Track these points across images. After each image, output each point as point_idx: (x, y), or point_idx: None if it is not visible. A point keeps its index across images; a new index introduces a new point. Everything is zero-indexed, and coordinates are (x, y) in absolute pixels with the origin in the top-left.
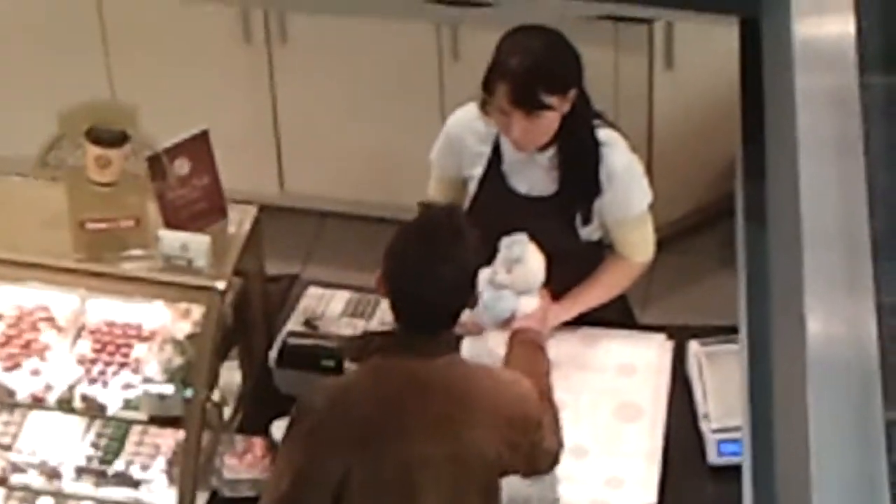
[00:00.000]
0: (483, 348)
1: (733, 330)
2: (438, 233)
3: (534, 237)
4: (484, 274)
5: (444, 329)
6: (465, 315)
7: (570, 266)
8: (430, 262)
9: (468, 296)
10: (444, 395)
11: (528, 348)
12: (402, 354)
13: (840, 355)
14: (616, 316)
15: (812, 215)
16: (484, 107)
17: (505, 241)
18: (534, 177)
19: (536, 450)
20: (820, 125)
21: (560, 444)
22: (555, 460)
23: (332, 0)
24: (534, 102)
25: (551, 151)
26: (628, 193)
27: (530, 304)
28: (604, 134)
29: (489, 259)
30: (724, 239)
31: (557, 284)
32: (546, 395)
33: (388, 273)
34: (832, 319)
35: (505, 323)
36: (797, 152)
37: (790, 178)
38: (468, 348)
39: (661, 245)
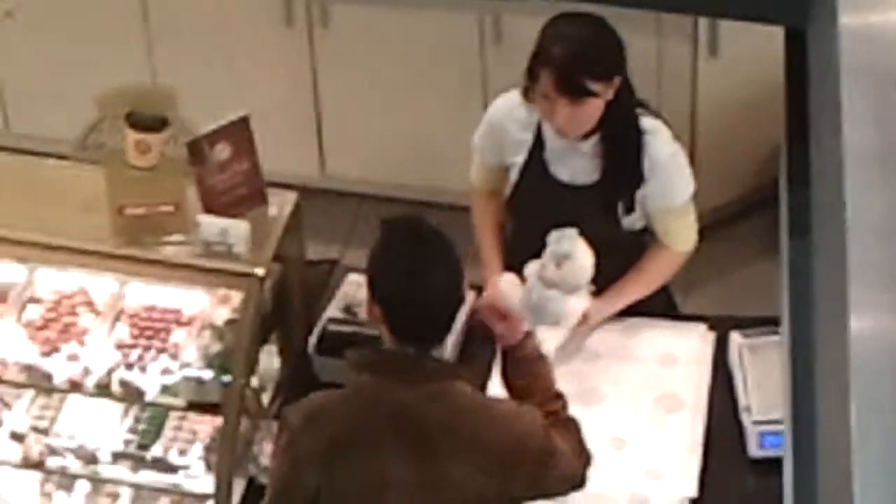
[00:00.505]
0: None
1: (776, 321)
2: (421, 237)
3: (576, 226)
4: (531, 267)
5: (439, 339)
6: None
7: (612, 255)
8: (419, 264)
9: (460, 299)
10: (428, 424)
11: (529, 366)
12: (393, 375)
13: (883, 349)
14: (658, 306)
15: (857, 210)
16: (527, 94)
17: (554, 235)
18: (576, 165)
19: (546, 480)
20: (865, 137)
21: (585, 464)
22: (579, 482)
23: None
24: (578, 89)
25: (594, 139)
26: (671, 183)
27: (579, 307)
28: (647, 122)
29: (538, 252)
30: (768, 226)
31: (600, 274)
32: (558, 417)
33: (376, 285)
34: (876, 313)
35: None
36: (843, 163)
37: (835, 180)
38: None
39: (704, 232)
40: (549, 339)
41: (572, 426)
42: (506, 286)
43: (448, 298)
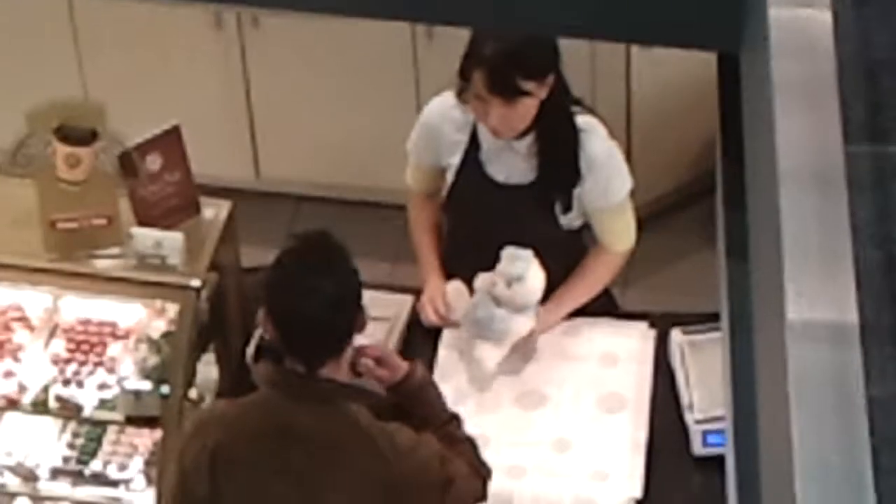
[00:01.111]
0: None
1: (716, 317)
2: (315, 250)
3: (513, 225)
4: (480, 281)
5: (329, 356)
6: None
7: (551, 255)
8: (310, 276)
9: (353, 315)
10: (311, 446)
11: (419, 396)
12: (284, 392)
13: (821, 341)
14: (599, 304)
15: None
16: (460, 94)
17: (507, 253)
18: (512, 164)
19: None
20: (798, 153)
21: (484, 482)
22: (480, 497)
23: None
24: (511, 89)
25: (529, 138)
26: (608, 181)
27: (524, 327)
28: (582, 120)
29: (474, 254)
30: (706, 217)
31: None
32: (453, 438)
33: (268, 297)
34: (812, 304)
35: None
36: (777, 186)
37: (772, 206)
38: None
39: (642, 224)
40: (489, 357)
41: (468, 446)
42: (452, 295)
43: (336, 317)
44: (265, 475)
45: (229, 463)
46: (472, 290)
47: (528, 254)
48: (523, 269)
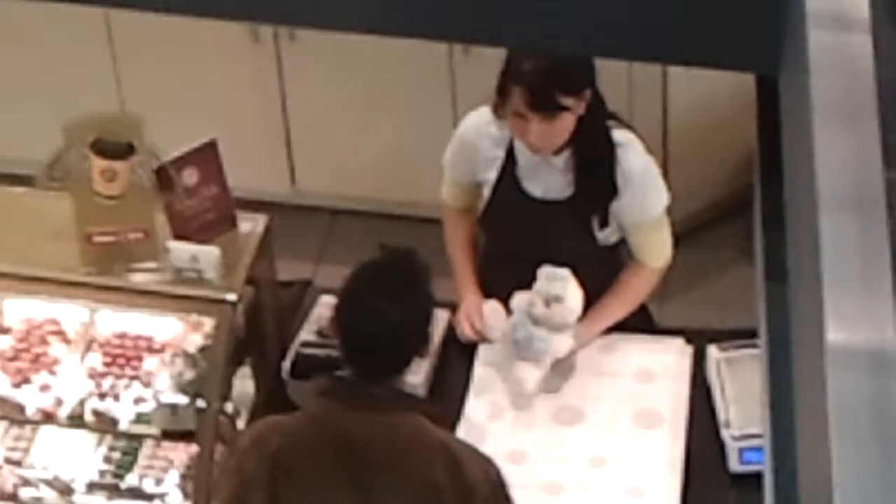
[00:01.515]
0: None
1: (754, 333)
2: (392, 276)
3: (550, 241)
4: (518, 301)
5: (392, 376)
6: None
7: (587, 270)
8: (380, 300)
9: (420, 343)
10: (370, 455)
11: None
12: (343, 402)
13: (860, 359)
14: (635, 320)
15: (832, 225)
16: (497, 110)
17: (545, 272)
18: (549, 180)
19: None
20: (839, 185)
21: None
22: None
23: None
24: (551, 105)
25: (566, 154)
26: (645, 196)
27: (564, 346)
28: (619, 135)
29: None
30: (742, 232)
31: None
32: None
33: (339, 311)
34: (852, 328)
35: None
36: (816, 210)
37: (811, 229)
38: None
39: (679, 240)
40: (529, 378)
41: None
42: (490, 315)
43: (398, 345)
44: (324, 484)
45: (288, 473)
46: (508, 309)
47: (566, 273)
48: (562, 288)
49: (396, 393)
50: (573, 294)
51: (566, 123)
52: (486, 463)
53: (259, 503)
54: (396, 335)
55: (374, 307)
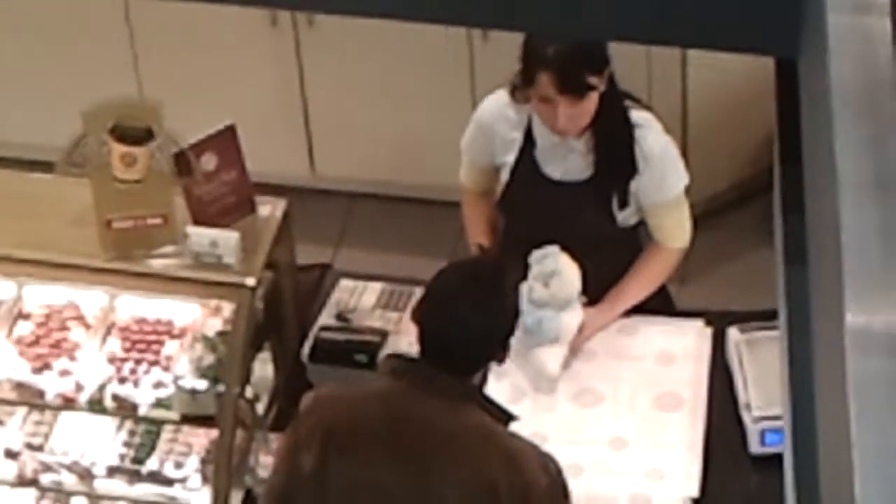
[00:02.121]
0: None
1: (773, 314)
2: (479, 282)
3: (569, 223)
4: (520, 292)
5: (463, 376)
6: None
7: (607, 251)
8: (464, 307)
9: (496, 350)
10: (426, 438)
11: None
12: (408, 383)
13: (880, 340)
14: (655, 302)
15: (851, 208)
16: (514, 94)
17: (535, 255)
18: (568, 162)
19: None
20: (859, 168)
21: None
22: None
23: None
24: (580, 86)
25: (586, 135)
26: (665, 176)
27: (574, 321)
28: (638, 115)
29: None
30: (762, 214)
31: (595, 272)
32: None
33: (422, 307)
34: (871, 304)
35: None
36: (836, 193)
37: (831, 212)
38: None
39: (698, 222)
40: (551, 360)
41: None
42: None
43: (480, 350)
44: (375, 461)
45: (340, 442)
46: None
47: (554, 248)
48: (554, 262)
49: (464, 386)
50: (566, 267)
51: (591, 103)
52: (546, 458)
53: (308, 466)
54: (474, 342)
55: (456, 313)
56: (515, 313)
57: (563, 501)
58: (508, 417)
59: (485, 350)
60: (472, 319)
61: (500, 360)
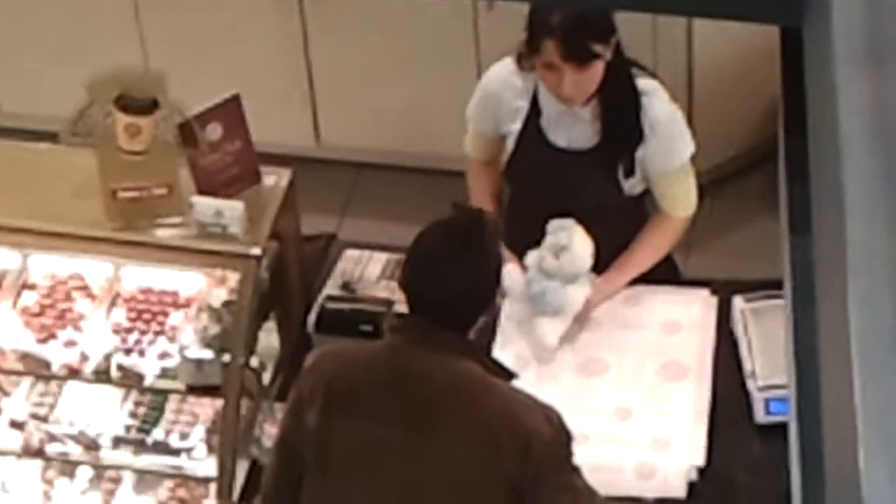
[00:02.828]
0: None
1: (779, 283)
2: (458, 239)
3: (576, 191)
4: (531, 258)
5: (456, 332)
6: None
7: (613, 220)
8: (445, 265)
9: (484, 306)
10: (429, 394)
11: None
12: (407, 339)
13: (884, 308)
14: (661, 271)
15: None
16: (521, 62)
17: (552, 226)
18: (574, 130)
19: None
20: (863, 134)
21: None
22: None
23: None
24: (584, 54)
25: (592, 103)
26: (671, 143)
27: (578, 296)
28: (644, 83)
29: (535, 221)
30: (767, 183)
31: (601, 241)
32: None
33: (405, 272)
34: (875, 273)
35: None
36: (840, 160)
37: (835, 180)
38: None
39: (704, 191)
40: (550, 332)
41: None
42: (506, 276)
43: (466, 306)
44: (377, 416)
45: (343, 398)
46: (524, 268)
47: (570, 222)
48: (567, 237)
49: (461, 341)
50: (580, 242)
51: (597, 71)
52: (546, 409)
53: (312, 422)
54: (460, 299)
55: (439, 271)
56: (498, 266)
57: (565, 451)
58: (509, 375)
59: (471, 306)
60: (454, 278)
61: (488, 316)
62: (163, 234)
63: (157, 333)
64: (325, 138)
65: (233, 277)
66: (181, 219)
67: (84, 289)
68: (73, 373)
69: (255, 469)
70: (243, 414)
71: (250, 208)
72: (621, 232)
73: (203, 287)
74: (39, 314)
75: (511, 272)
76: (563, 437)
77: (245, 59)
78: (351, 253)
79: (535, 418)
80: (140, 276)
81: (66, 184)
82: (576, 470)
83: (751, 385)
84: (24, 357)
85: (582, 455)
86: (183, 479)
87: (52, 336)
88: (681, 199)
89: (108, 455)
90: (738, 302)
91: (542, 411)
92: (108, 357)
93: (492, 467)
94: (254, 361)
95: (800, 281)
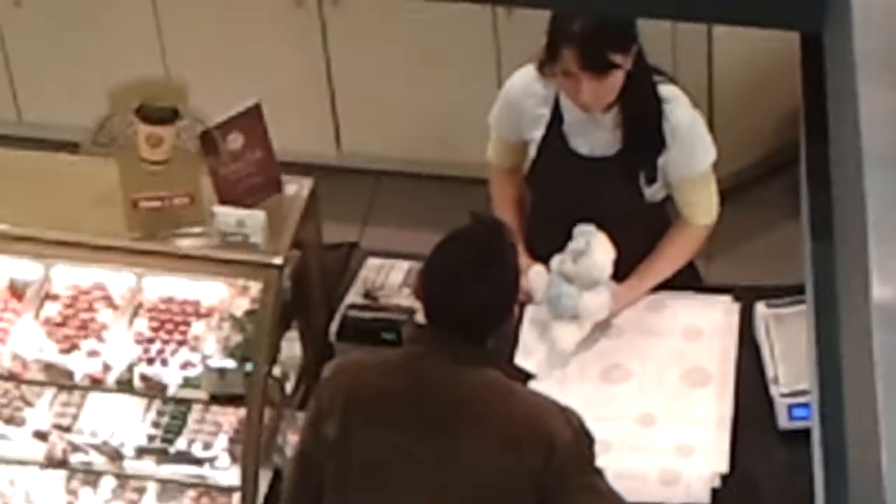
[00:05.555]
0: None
1: (801, 289)
2: (477, 249)
3: (597, 199)
4: (555, 261)
5: (475, 342)
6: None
7: (634, 227)
8: (465, 276)
9: (503, 316)
10: (449, 403)
11: None
12: (426, 350)
13: None
14: (682, 278)
15: (877, 182)
16: (542, 69)
17: (576, 230)
18: (596, 137)
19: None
20: (885, 141)
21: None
22: None
23: None
24: (602, 63)
25: (614, 110)
26: (693, 150)
27: (594, 303)
28: (665, 90)
29: (558, 229)
30: (789, 189)
31: (623, 247)
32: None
33: (423, 280)
34: None
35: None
36: (862, 166)
37: (857, 186)
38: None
39: (725, 197)
40: (565, 337)
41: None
42: (534, 277)
43: (485, 316)
44: (398, 426)
45: (363, 409)
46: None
47: (591, 228)
48: (585, 243)
49: (480, 350)
50: (600, 249)
51: (616, 80)
52: (566, 411)
53: (332, 434)
54: (478, 309)
55: (457, 281)
56: (516, 276)
57: (588, 452)
58: (527, 376)
59: (490, 315)
60: (474, 290)
61: (506, 326)
62: (184, 243)
63: (180, 343)
64: (347, 147)
65: (255, 287)
66: (203, 228)
67: (106, 299)
68: (96, 383)
69: (278, 478)
70: (266, 423)
71: (272, 217)
72: (643, 239)
73: (225, 296)
74: (62, 324)
75: (540, 273)
76: (584, 439)
77: (266, 69)
78: (373, 261)
79: (556, 421)
80: (162, 285)
81: (88, 194)
82: (598, 472)
83: (773, 391)
84: (47, 367)
85: (605, 462)
86: (206, 488)
87: (75, 346)
88: (702, 206)
89: (131, 465)
90: (760, 308)
91: (563, 414)
92: (130, 367)
93: (515, 471)
94: (276, 370)
95: (822, 287)
